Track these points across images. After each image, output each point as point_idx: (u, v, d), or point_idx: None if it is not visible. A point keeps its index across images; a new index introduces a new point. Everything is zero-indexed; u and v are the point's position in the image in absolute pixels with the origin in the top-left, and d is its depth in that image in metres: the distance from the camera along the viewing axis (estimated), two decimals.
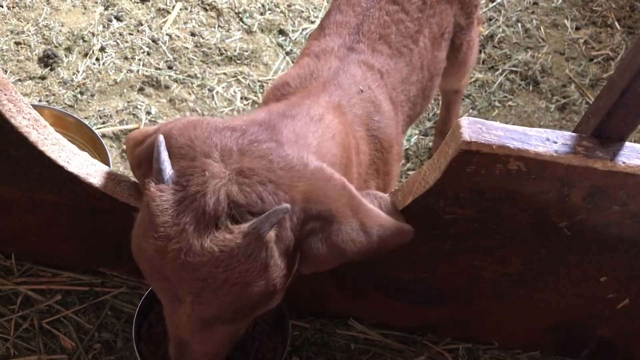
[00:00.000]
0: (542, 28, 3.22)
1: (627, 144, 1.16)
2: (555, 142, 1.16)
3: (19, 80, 2.73)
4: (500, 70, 3.03)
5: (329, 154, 1.21)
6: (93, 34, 2.90)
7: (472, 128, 1.15)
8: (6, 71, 2.73)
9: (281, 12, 3.11)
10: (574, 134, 1.18)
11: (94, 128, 2.43)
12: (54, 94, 2.69)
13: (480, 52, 3.10)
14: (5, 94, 1.26)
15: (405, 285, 1.55)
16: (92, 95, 2.72)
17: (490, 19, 3.25)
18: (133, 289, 1.74)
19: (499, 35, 3.15)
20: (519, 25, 3.22)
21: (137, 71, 2.81)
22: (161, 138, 1.06)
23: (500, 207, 1.27)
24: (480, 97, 2.94)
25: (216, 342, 1.14)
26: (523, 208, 1.26)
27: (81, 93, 2.72)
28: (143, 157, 1.16)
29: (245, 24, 3.05)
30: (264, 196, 1.02)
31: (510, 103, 2.93)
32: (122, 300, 1.73)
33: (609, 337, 1.61)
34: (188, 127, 1.10)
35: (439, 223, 1.34)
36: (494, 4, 3.32)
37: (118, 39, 2.91)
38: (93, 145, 2.07)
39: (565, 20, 3.24)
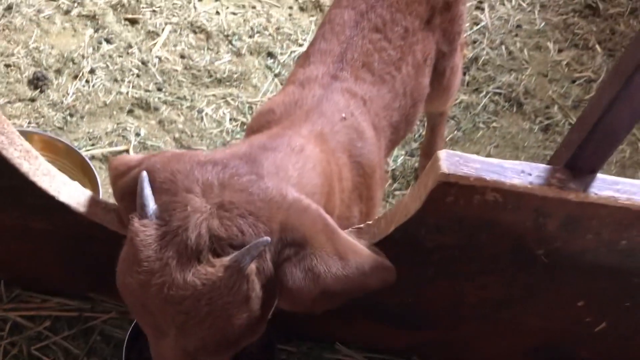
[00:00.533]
0: (525, 50, 3.28)
1: (598, 175, 1.21)
2: (530, 174, 1.20)
3: (9, 102, 2.76)
4: (484, 92, 3.09)
5: (310, 184, 1.24)
6: (83, 56, 2.93)
7: (450, 160, 1.20)
8: None
9: (270, 35, 3.16)
10: (547, 166, 1.22)
11: (83, 150, 2.45)
12: (43, 116, 2.72)
13: (464, 74, 3.15)
14: None
15: (391, 310, 1.59)
16: (82, 117, 2.75)
17: (474, 42, 3.31)
18: (122, 314, 1.76)
19: (483, 58, 3.21)
20: (503, 47, 3.29)
21: (127, 93, 2.85)
22: (144, 174, 1.09)
23: (480, 235, 1.31)
24: (465, 119, 2.99)
25: None
26: (501, 236, 1.30)
27: (71, 115, 2.75)
28: (126, 190, 1.18)
29: (234, 47, 3.09)
30: (244, 229, 1.05)
31: (494, 124, 2.99)
32: (112, 326, 1.75)
33: (590, 359, 1.66)
34: (171, 161, 1.14)
35: (422, 250, 1.38)
36: (478, 27, 3.38)
37: (108, 61, 2.95)
38: (82, 169, 2.10)
39: (548, 43, 3.31)
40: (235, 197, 1.08)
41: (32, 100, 2.78)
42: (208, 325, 1.03)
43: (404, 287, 1.50)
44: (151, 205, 1.07)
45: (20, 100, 2.79)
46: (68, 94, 2.81)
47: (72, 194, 1.42)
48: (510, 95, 3.09)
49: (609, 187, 1.20)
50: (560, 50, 3.28)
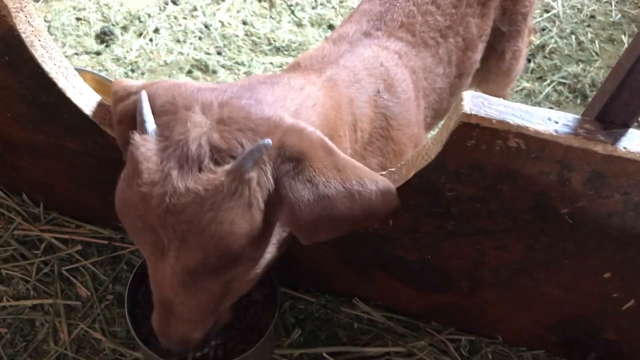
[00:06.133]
0: (596, 42, 3.16)
1: (630, 130, 1.14)
2: (557, 122, 1.15)
3: (76, 54, 2.88)
4: (548, 81, 2.99)
5: (308, 121, 1.21)
6: (149, 15, 3.03)
7: (474, 101, 1.16)
8: (65, 44, 2.89)
9: (332, 7, 3.17)
10: (576, 116, 1.17)
11: None
12: (106, 69, 2.83)
13: (529, 61, 3.07)
14: (39, 40, 1.35)
15: (409, 266, 1.56)
16: (143, 74, 2.84)
17: (543, 29, 3.21)
18: None
19: (550, 46, 3.12)
20: (573, 37, 3.18)
21: (188, 54, 2.92)
22: (144, 93, 1.11)
23: (501, 186, 1.27)
24: None
25: (201, 303, 1.14)
26: (524, 189, 1.25)
27: (132, 70, 2.84)
28: (125, 113, 1.20)
29: (296, 17, 3.11)
30: (243, 142, 1.05)
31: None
32: (138, 257, 1.80)
33: (616, 341, 1.57)
34: (172, 87, 1.15)
35: (441, 200, 1.34)
36: (549, 14, 3.28)
37: (172, 22, 3.03)
38: None
39: (622, 36, 3.17)
40: (234, 113, 1.08)
41: (98, 53, 2.89)
42: (211, 234, 1.02)
43: (422, 242, 1.47)
44: (151, 122, 1.08)
45: (86, 52, 2.91)
46: (131, 50, 2.91)
47: (106, 116, 1.46)
48: (576, 87, 2.98)
49: None
50: None
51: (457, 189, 1.30)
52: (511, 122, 1.15)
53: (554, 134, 1.14)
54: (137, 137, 1.07)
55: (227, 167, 1.02)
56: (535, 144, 1.15)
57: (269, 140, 1.02)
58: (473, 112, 1.15)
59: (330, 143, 1.12)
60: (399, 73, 1.60)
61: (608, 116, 1.15)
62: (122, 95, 1.24)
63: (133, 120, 1.12)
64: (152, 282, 1.13)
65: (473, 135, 1.18)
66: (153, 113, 1.10)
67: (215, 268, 1.08)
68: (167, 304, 1.13)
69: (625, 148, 1.13)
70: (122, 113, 1.21)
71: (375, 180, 1.11)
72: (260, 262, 1.20)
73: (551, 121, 1.15)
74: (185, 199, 1.01)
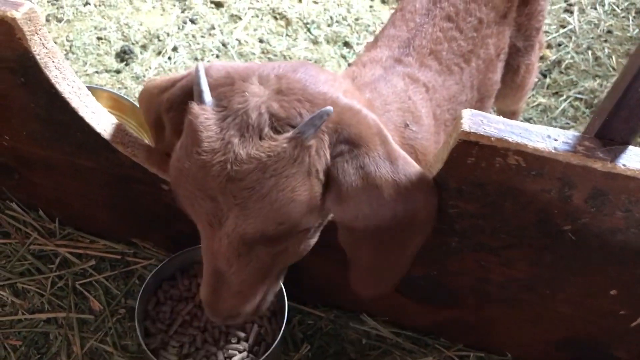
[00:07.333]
0: (613, 57, 3.14)
1: (630, 147, 1.14)
2: (556, 140, 1.16)
3: (97, 72, 2.95)
4: (564, 97, 2.98)
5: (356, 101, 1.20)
6: (168, 34, 3.09)
7: (473, 119, 1.17)
8: (86, 63, 2.96)
9: (348, 25, 3.21)
10: (576, 133, 1.17)
11: None
12: (126, 87, 2.89)
13: (545, 77, 3.06)
14: (53, 61, 1.40)
15: (416, 282, 1.56)
16: None
17: (559, 45, 3.21)
18: (161, 262, 1.84)
19: (566, 62, 3.11)
20: (589, 52, 3.16)
21: None
22: (201, 65, 1.11)
23: (503, 203, 1.27)
24: (542, 122, 2.89)
25: (252, 275, 1.15)
26: (525, 206, 1.26)
27: None
28: (174, 100, 1.21)
29: (312, 35, 3.15)
30: (302, 112, 1.06)
31: (572, 130, 2.87)
32: (150, 272, 1.83)
33: None
34: (225, 65, 1.16)
35: (444, 217, 1.35)
36: (565, 30, 3.27)
37: (190, 40, 3.09)
38: (145, 129, 2.21)
39: None
40: (292, 85, 1.09)
41: (118, 72, 2.96)
42: (272, 201, 1.02)
43: (427, 258, 1.48)
44: (208, 93, 1.09)
45: (107, 71, 2.98)
46: (150, 68, 2.97)
47: (117, 134, 1.50)
48: (592, 102, 2.96)
49: None
50: None
51: (459, 205, 1.31)
52: (510, 139, 1.15)
53: (553, 151, 1.15)
54: (195, 107, 1.07)
55: (288, 134, 1.03)
56: (535, 162, 1.16)
57: (330, 108, 1.03)
58: (472, 130, 1.16)
59: (385, 130, 1.12)
60: (425, 107, 1.60)
61: (608, 134, 1.15)
62: (167, 85, 1.25)
63: (183, 105, 1.12)
64: (205, 253, 1.14)
65: (473, 152, 1.19)
66: (209, 86, 1.10)
67: (272, 237, 1.08)
68: (219, 276, 1.14)
69: (624, 165, 1.13)
70: (170, 100, 1.22)
71: (423, 180, 1.11)
72: (309, 237, 1.22)
73: (550, 139, 1.16)
74: (247, 165, 1.02)
